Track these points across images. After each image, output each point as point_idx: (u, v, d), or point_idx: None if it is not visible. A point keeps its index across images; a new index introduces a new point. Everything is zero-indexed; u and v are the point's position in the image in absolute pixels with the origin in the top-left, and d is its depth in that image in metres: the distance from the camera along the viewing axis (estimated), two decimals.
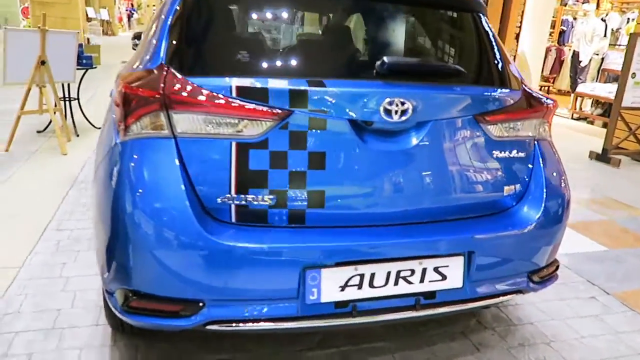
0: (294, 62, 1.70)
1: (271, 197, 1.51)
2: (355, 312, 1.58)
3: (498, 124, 1.73)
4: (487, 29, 1.92)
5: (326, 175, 1.54)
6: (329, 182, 1.55)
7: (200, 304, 1.48)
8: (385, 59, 1.56)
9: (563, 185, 1.89)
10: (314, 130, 1.51)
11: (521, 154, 1.81)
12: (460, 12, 1.93)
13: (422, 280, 1.64)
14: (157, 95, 1.44)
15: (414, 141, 1.61)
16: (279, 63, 1.68)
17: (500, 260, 1.74)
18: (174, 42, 1.59)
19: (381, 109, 1.53)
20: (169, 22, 1.63)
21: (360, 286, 1.57)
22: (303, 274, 1.51)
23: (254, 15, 2.19)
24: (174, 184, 1.44)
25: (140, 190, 1.44)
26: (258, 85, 1.48)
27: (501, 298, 1.83)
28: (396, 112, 1.54)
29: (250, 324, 1.53)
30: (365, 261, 1.57)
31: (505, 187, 1.79)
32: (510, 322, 2.39)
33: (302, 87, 1.49)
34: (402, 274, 1.61)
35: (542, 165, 1.84)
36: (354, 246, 1.55)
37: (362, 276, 1.57)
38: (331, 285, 1.55)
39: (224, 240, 1.43)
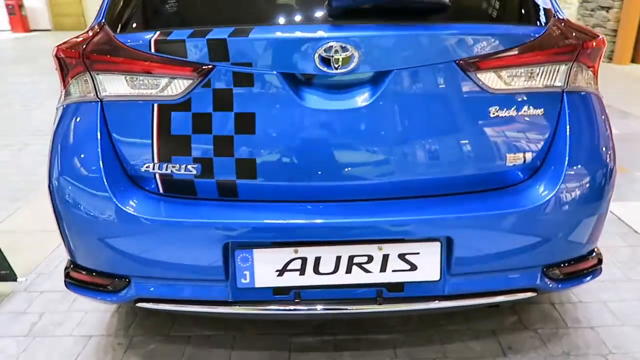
0: (222, 9, 1.46)
1: (195, 165, 1.34)
2: (299, 301, 1.36)
3: (496, 71, 1.31)
4: None
5: (257, 140, 1.32)
6: (261, 149, 1.32)
7: (127, 280, 1.39)
8: None
9: (601, 155, 1.41)
10: (240, 88, 1.29)
11: (537, 112, 1.37)
12: None
13: (383, 269, 1.34)
14: (77, 57, 1.35)
15: (370, 98, 1.30)
16: (205, 10, 1.47)
17: (495, 249, 1.36)
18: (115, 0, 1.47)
19: (316, 57, 1.24)
20: None
21: (302, 272, 1.34)
22: (232, 255, 1.32)
23: None
24: (92, 150, 1.35)
25: (63, 157, 1.38)
26: (175, 38, 1.30)
27: (502, 298, 1.43)
28: (336, 60, 1.24)
29: (181, 305, 1.40)
30: (308, 243, 1.32)
31: (509, 156, 1.38)
32: (562, 324, 1.93)
33: (221, 37, 1.27)
34: (356, 260, 1.33)
35: (569, 127, 1.38)
36: (292, 224, 1.31)
37: (304, 260, 1.33)
38: (266, 268, 1.34)
39: (135, 212, 1.30)
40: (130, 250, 1.35)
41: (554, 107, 1.39)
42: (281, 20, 1.37)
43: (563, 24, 1.43)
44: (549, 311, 2.01)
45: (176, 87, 1.30)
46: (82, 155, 1.36)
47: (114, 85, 1.34)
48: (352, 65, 1.25)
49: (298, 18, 1.38)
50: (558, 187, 1.34)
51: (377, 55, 1.27)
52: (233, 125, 1.31)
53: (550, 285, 1.43)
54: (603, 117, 1.47)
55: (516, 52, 1.32)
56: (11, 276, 2.17)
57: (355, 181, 1.35)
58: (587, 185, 1.37)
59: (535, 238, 1.37)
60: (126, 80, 1.33)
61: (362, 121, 1.31)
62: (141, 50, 1.31)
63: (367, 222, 1.32)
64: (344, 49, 1.24)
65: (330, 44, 1.23)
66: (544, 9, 1.44)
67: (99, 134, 1.35)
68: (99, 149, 1.34)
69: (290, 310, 1.37)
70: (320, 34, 1.25)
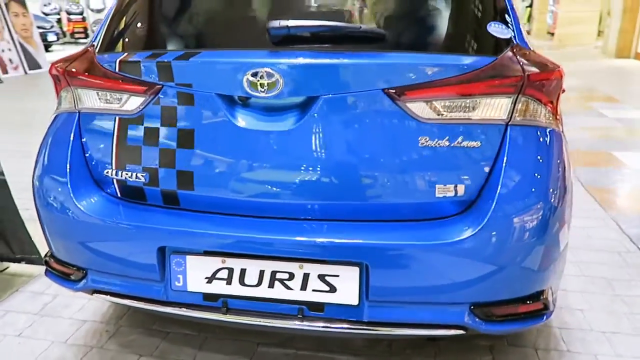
0: (182, 34, 1.59)
1: (144, 174, 1.48)
2: (225, 309, 1.44)
3: (427, 101, 1.31)
4: None
5: (195, 154, 1.43)
6: (198, 163, 1.43)
7: (84, 272, 1.55)
8: (269, 23, 1.35)
9: (545, 195, 1.33)
10: (183, 106, 1.42)
11: (473, 144, 1.34)
12: None
13: (303, 288, 1.38)
14: (62, 73, 1.55)
15: (297, 122, 1.36)
16: (171, 34, 1.60)
17: (415, 281, 1.34)
18: (107, 23, 1.67)
19: (244, 81, 1.33)
20: (113, 8, 1.70)
21: (229, 281, 1.42)
22: (168, 258, 1.44)
23: None
24: (63, 155, 1.53)
25: (42, 159, 1.58)
26: (134, 59, 1.46)
27: (426, 332, 1.39)
28: (262, 85, 1.32)
29: (126, 299, 1.53)
30: (234, 254, 1.40)
31: (439, 188, 1.35)
32: None
33: (167, 60, 1.40)
34: (278, 276, 1.39)
35: (506, 162, 1.33)
36: (221, 236, 1.40)
37: (230, 270, 1.41)
38: (197, 274, 1.44)
39: (88, 211, 1.46)
40: (85, 245, 1.51)
41: (493, 141, 1.34)
42: (225, 45, 1.48)
43: (518, 55, 1.38)
44: (529, 356, 1.89)
45: (133, 103, 1.46)
46: (55, 159, 1.56)
47: (89, 99, 1.53)
48: (277, 91, 1.32)
49: (240, 44, 1.47)
50: (481, 225, 1.29)
51: (303, 82, 1.33)
52: (175, 139, 1.43)
53: (482, 326, 1.37)
54: (557, 154, 1.39)
55: (451, 82, 1.31)
56: (39, 260, 2.46)
57: (280, 200, 1.41)
58: (520, 226, 1.30)
59: (458, 275, 1.33)
60: (97, 95, 1.50)
61: (289, 144, 1.37)
62: (109, 69, 1.48)
63: (288, 240, 1.37)
64: (270, 75, 1.31)
65: (257, 69, 1.31)
66: (498, 38, 1.41)
67: (72, 140, 1.54)
68: (69, 154, 1.53)
69: (221, 317, 1.44)
70: (250, 59, 1.34)
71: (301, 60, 1.33)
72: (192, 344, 1.98)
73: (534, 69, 1.35)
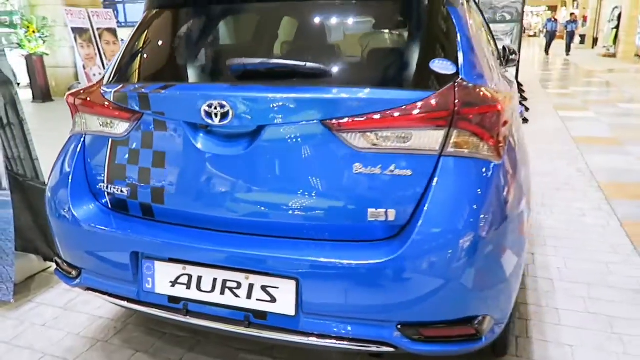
0: (161, 69, 1.82)
1: (127, 189, 1.71)
2: (185, 311, 1.61)
3: (362, 131, 1.43)
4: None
5: (165, 173, 1.63)
6: (167, 181, 1.63)
7: (79, 271, 1.80)
8: (229, 61, 1.55)
9: (475, 224, 1.39)
10: (157, 131, 1.64)
11: (405, 172, 1.43)
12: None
13: (249, 297, 1.53)
14: (71, 101, 1.84)
15: (246, 148, 1.52)
16: (152, 70, 1.83)
17: (342, 297, 1.44)
18: (115, 61, 1.94)
19: (202, 111, 1.52)
20: (121, 49, 1.97)
21: (188, 286, 1.60)
22: (141, 263, 1.65)
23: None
24: (68, 169, 1.81)
25: (54, 172, 1.87)
26: (124, 90, 1.71)
27: (361, 347, 1.47)
28: (216, 115, 1.51)
29: (109, 297, 1.76)
30: (193, 263, 1.58)
31: (370, 212, 1.45)
32: None
33: (146, 92, 1.63)
34: (228, 285, 1.55)
35: (434, 192, 1.40)
36: (182, 245, 1.59)
37: (190, 277, 1.59)
38: (163, 278, 1.63)
39: (80, 218, 1.72)
40: (78, 247, 1.76)
41: (425, 170, 1.43)
42: (199, 79, 1.68)
43: (458, 89, 1.46)
44: None
45: (121, 127, 1.70)
46: (62, 173, 1.84)
47: (92, 123, 1.80)
48: (228, 120, 1.50)
49: (210, 79, 1.67)
50: (402, 250, 1.38)
51: (251, 112, 1.49)
52: (151, 160, 1.65)
53: (410, 345, 1.43)
54: (495, 185, 1.44)
55: (385, 115, 1.41)
56: None
57: (231, 215, 1.57)
58: (441, 254, 1.37)
59: (382, 295, 1.41)
60: (97, 120, 1.77)
61: (239, 167, 1.53)
62: (107, 98, 1.74)
63: (236, 253, 1.52)
64: (222, 106, 1.50)
65: (211, 101, 1.50)
66: (440, 74, 1.49)
67: (76, 158, 1.82)
68: (73, 169, 1.80)
69: (182, 318, 1.62)
70: (206, 92, 1.53)
71: (249, 94, 1.51)
72: (184, 345, 2.18)
73: (468, 104, 1.42)
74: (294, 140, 1.48)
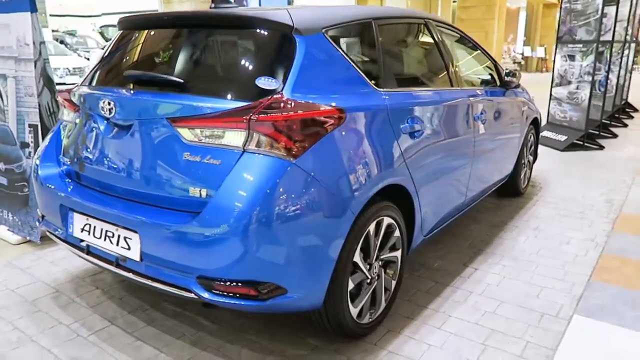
0: (100, 75, 2.43)
1: (68, 160, 2.37)
2: (87, 251, 2.21)
3: (190, 128, 1.90)
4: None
5: (86, 150, 2.26)
6: (85, 155, 2.25)
7: (43, 216, 2.52)
8: (125, 72, 2.13)
9: (257, 203, 1.76)
10: (85, 120, 2.27)
11: (216, 162, 1.86)
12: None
13: (117, 244, 2.07)
14: (58, 98, 2.57)
15: (125, 136, 2.07)
16: (95, 75, 2.45)
17: (163, 250, 1.91)
18: (90, 68, 2.64)
19: (100, 107, 2.12)
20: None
21: (89, 233, 2.19)
22: (67, 212, 2.29)
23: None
24: (45, 143, 2.54)
25: (40, 146, 2.62)
26: (75, 90, 2.38)
27: (175, 291, 1.92)
28: (106, 110, 2.09)
29: (55, 238, 2.43)
30: (90, 216, 2.18)
31: (191, 189, 1.90)
32: None
33: (81, 91, 2.28)
34: (107, 234, 2.11)
35: (230, 179, 1.81)
36: (84, 202, 2.19)
37: (90, 225, 2.19)
38: (77, 225, 2.24)
39: (41, 179, 2.41)
40: (40, 199, 2.46)
41: (231, 161, 1.83)
42: (109, 84, 2.28)
43: (271, 102, 1.84)
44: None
45: (72, 116, 2.37)
46: (42, 146, 2.57)
47: (63, 113, 2.50)
48: (113, 114, 2.07)
49: (113, 84, 2.26)
50: (196, 220, 1.80)
51: (125, 109, 2.04)
52: (79, 140, 2.29)
53: (206, 295, 1.85)
54: (285, 179, 1.79)
55: (206, 117, 1.86)
56: None
57: (115, 183, 2.12)
58: (226, 226, 1.76)
59: (185, 252, 1.84)
60: (65, 110, 2.47)
61: (122, 149, 2.08)
62: (70, 96, 2.43)
63: (112, 211, 2.07)
64: (109, 104, 2.07)
65: (104, 100, 2.09)
66: (262, 89, 1.89)
67: (51, 136, 2.54)
68: (47, 143, 2.52)
69: (86, 257, 2.22)
70: (102, 93, 2.12)
71: (124, 96, 2.08)
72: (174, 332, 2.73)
73: (266, 113, 1.80)
74: (152, 132, 2.00)
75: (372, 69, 2.38)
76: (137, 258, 2.00)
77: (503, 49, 19.68)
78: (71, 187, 2.32)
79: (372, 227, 2.18)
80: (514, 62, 21.70)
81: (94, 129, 2.22)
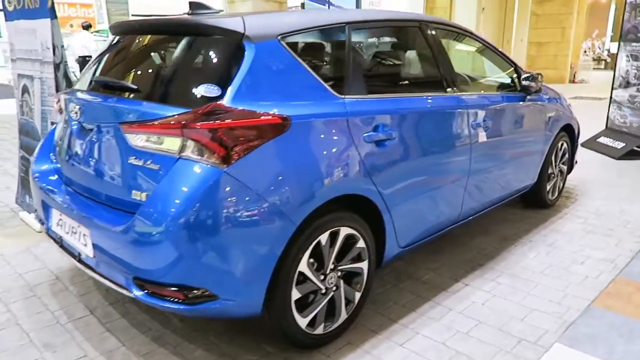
0: (83, 80, 2.55)
1: (55, 157, 2.55)
2: (60, 244, 2.37)
3: (135, 133, 1.97)
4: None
5: (65, 148, 2.41)
6: (65, 153, 2.41)
7: (35, 211, 2.72)
8: (94, 77, 2.25)
9: (186, 208, 1.79)
10: (65, 122, 2.43)
11: (156, 167, 1.92)
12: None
13: (79, 240, 2.20)
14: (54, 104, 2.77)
15: (90, 137, 2.19)
16: (83, 80, 2.58)
17: (107, 248, 2.00)
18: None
19: (71, 111, 2.25)
20: None
21: (62, 227, 2.35)
22: (48, 208, 2.47)
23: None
24: (41, 141, 2.75)
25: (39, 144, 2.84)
26: (59, 95, 2.54)
27: (119, 289, 2.01)
28: (75, 114, 2.22)
29: (46, 233, 2.61)
30: (61, 212, 2.33)
31: (134, 192, 1.97)
32: None
33: (61, 97, 2.43)
34: (72, 230, 2.25)
35: (166, 181, 1.86)
36: (57, 199, 2.34)
37: (62, 220, 2.34)
38: (54, 219, 2.41)
39: (34, 173, 2.60)
40: (33, 191, 2.66)
41: (167, 166, 1.88)
42: (85, 88, 2.40)
43: (208, 110, 1.86)
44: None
45: (61, 117, 2.54)
46: (39, 146, 2.78)
47: (56, 114, 2.69)
48: (78, 118, 2.19)
49: (87, 88, 2.38)
50: (128, 223, 1.87)
51: (86, 114, 2.16)
52: (63, 141, 2.45)
53: (139, 295, 1.91)
54: (211, 184, 1.80)
55: (148, 123, 1.92)
56: None
57: (80, 181, 2.25)
58: (152, 230, 1.81)
59: (122, 253, 1.91)
60: (57, 112, 2.66)
61: (84, 150, 2.20)
62: (59, 98, 2.61)
63: (75, 209, 2.20)
64: (75, 107, 2.20)
65: (73, 104, 2.21)
66: (204, 96, 1.92)
67: (48, 135, 2.74)
68: (44, 141, 2.72)
69: (58, 248, 2.38)
70: (72, 98, 2.24)
71: (88, 99, 2.19)
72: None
73: (198, 121, 1.83)
74: (107, 135, 2.10)
75: (337, 75, 2.33)
76: (91, 254, 2.11)
77: (582, 45, 18.33)
78: (53, 184, 2.49)
79: (324, 237, 2.15)
80: (594, 60, 20.11)
81: (69, 131, 2.36)
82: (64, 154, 2.41)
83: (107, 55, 2.51)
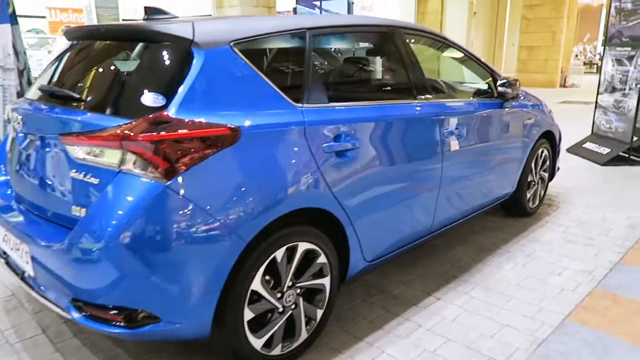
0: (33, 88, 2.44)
1: (4, 168, 2.44)
2: (6, 261, 2.26)
3: (75, 145, 1.85)
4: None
5: (10, 162, 2.29)
6: (10, 167, 2.29)
7: None
8: (39, 86, 2.14)
9: (122, 225, 1.68)
10: (12, 133, 2.32)
11: (94, 181, 1.81)
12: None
13: (21, 257, 2.08)
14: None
15: (35, 149, 2.08)
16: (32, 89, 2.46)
17: (45, 267, 1.88)
18: None
19: (14, 121, 2.14)
20: None
21: (7, 243, 2.23)
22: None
23: None
24: None
25: None
26: (10, 105, 2.43)
27: (59, 310, 1.89)
28: (18, 124, 2.11)
29: None
30: (6, 227, 2.21)
31: (74, 207, 1.86)
32: None
33: (10, 107, 2.32)
34: (16, 246, 2.13)
35: (101, 198, 1.75)
36: (2, 215, 2.23)
37: (6, 237, 2.22)
38: (0, 235, 2.29)
39: None
40: None
41: (107, 180, 1.76)
42: (34, 98, 2.29)
43: (151, 121, 1.76)
44: None
45: (9, 128, 2.43)
46: None
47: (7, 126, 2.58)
48: (21, 128, 2.08)
49: (36, 98, 2.26)
50: (64, 241, 1.76)
51: (28, 124, 2.05)
52: (10, 153, 2.33)
53: (77, 317, 1.79)
54: (151, 202, 1.69)
55: (86, 134, 1.80)
56: None
57: (24, 195, 2.14)
58: (84, 249, 1.71)
59: (58, 272, 1.80)
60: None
61: (26, 163, 2.09)
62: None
63: (16, 225, 2.08)
64: (17, 117, 2.08)
65: (16, 114, 2.10)
66: (147, 106, 1.80)
67: (2, 148, 2.62)
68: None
69: (5, 265, 2.26)
70: (17, 108, 2.13)
71: (30, 109, 2.07)
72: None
73: (138, 132, 1.72)
74: (50, 147, 1.99)
75: (295, 83, 2.22)
76: (32, 273, 1.99)
77: (573, 50, 18.34)
78: (1, 197, 2.37)
79: (279, 254, 2.04)
80: (585, 64, 20.13)
81: (16, 142, 2.25)
82: (12, 166, 2.30)
83: (59, 62, 2.39)
